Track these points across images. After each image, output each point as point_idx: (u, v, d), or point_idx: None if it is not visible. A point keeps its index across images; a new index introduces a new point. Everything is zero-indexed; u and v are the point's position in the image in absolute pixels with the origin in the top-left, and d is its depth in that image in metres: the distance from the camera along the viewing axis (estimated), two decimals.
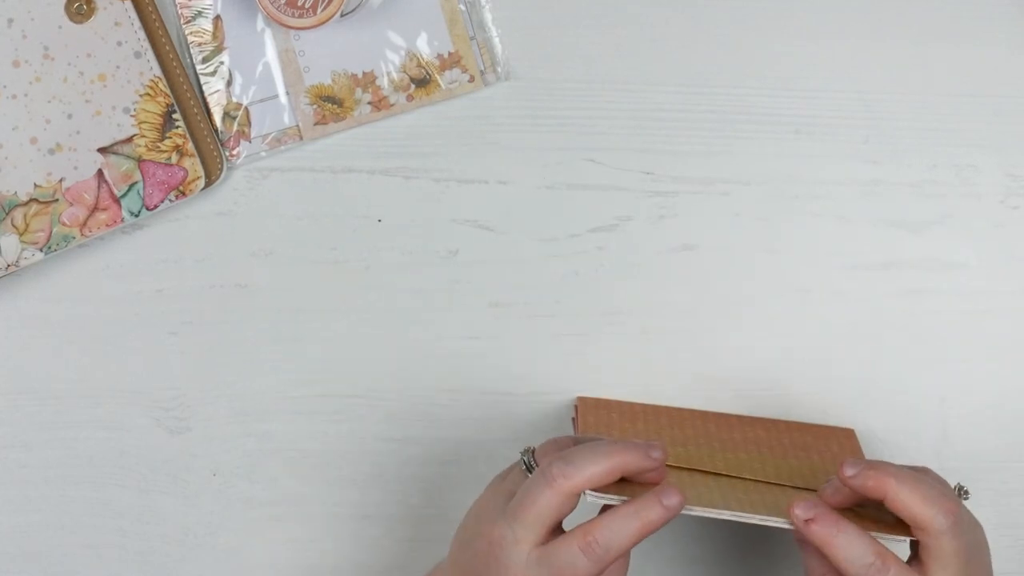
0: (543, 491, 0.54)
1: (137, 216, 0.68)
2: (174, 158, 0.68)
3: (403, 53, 0.69)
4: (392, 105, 0.70)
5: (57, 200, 0.67)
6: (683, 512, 0.54)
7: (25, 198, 0.67)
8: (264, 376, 0.70)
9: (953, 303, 0.70)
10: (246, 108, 0.69)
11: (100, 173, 0.68)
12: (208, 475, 0.70)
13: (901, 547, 0.55)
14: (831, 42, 0.70)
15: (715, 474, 0.61)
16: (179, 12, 0.69)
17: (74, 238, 0.68)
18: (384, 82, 0.69)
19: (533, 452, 0.57)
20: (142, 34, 0.68)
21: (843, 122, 0.70)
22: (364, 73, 0.69)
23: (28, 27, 0.67)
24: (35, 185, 0.67)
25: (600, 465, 0.54)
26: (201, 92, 0.69)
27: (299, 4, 0.67)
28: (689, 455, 0.62)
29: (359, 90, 0.69)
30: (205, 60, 0.69)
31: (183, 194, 0.68)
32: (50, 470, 0.69)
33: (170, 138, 0.68)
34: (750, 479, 0.61)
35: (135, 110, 0.68)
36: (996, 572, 0.70)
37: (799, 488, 0.60)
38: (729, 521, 0.55)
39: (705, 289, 0.70)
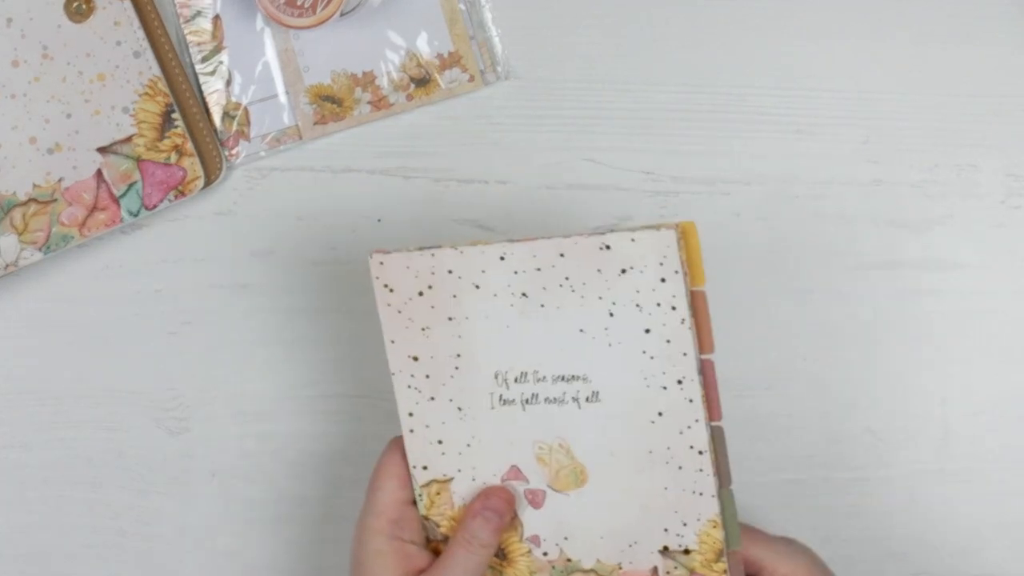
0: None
1: (136, 216, 0.68)
2: (173, 158, 0.68)
3: (403, 53, 0.69)
4: (392, 105, 0.69)
5: (56, 200, 0.67)
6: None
7: (24, 198, 0.67)
8: (264, 376, 0.70)
9: (954, 303, 0.70)
10: (245, 108, 0.69)
11: (99, 173, 0.68)
12: (207, 476, 0.70)
13: None
14: (832, 42, 0.70)
15: None
16: (178, 12, 0.69)
17: (73, 238, 0.68)
18: (384, 82, 0.69)
19: None
20: (141, 33, 0.67)
21: (844, 122, 0.70)
22: (364, 73, 0.69)
23: (27, 26, 0.67)
24: (34, 185, 0.67)
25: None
26: (200, 92, 0.69)
27: (298, 3, 0.67)
28: None
29: (359, 90, 0.69)
30: (204, 60, 0.69)
31: (182, 194, 0.68)
32: (49, 470, 0.69)
33: (169, 138, 0.68)
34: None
35: (134, 110, 0.68)
36: (997, 573, 0.71)
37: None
38: None
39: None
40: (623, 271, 0.52)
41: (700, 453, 0.53)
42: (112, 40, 0.67)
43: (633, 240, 0.51)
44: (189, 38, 0.69)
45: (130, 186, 0.68)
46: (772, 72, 0.70)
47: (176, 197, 0.68)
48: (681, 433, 0.53)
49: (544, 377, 0.54)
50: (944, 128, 0.70)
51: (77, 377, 0.69)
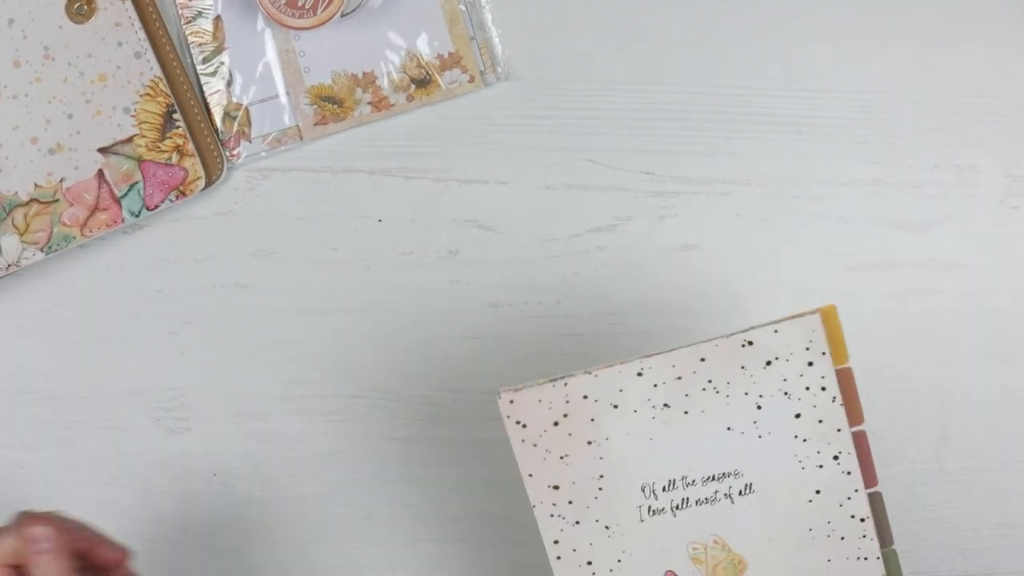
0: None
1: (137, 216, 0.68)
2: (174, 158, 0.68)
3: (403, 53, 0.69)
4: (392, 105, 0.70)
5: (58, 200, 0.67)
6: None
7: (26, 198, 0.67)
8: (264, 376, 0.70)
9: (953, 303, 0.70)
10: (246, 108, 0.69)
11: (100, 173, 0.68)
12: (208, 475, 0.70)
13: None
14: (832, 42, 0.70)
15: None
16: (179, 12, 0.69)
17: (74, 238, 0.68)
18: (384, 82, 0.69)
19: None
20: (142, 34, 0.68)
21: (844, 122, 0.70)
22: (364, 73, 0.69)
23: (29, 27, 0.67)
24: (36, 185, 0.67)
25: None
26: (201, 92, 0.69)
27: (299, 4, 0.67)
28: None
29: (359, 90, 0.69)
30: (205, 60, 0.69)
31: (183, 194, 0.68)
32: (50, 470, 0.69)
33: (170, 138, 0.68)
34: None
35: (135, 110, 0.68)
36: (996, 572, 0.71)
37: None
38: None
39: (705, 289, 0.70)
40: (768, 363, 0.52)
41: (862, 521, 0.54)
42: (113, 41, 0.67)
43: (776, 331, 0.52)
44: (190, 39, 0.69)
45: (131, 186, 0.68)
46: (772, 72, 0.70)
47: (177, 197, 0.68)
48: (841, 505, 0.54)
49: (693, 481, 0.54)
50: (943, 128, 0.70)
51: (78, 377, 0.70)
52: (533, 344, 0.70)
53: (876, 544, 0.54)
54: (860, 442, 0.54)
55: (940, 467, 0.70)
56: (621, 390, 0.52)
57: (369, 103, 0.70)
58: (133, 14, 0.68)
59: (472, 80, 0.70)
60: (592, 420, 0.53)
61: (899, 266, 0.70)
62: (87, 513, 0.69)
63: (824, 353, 0.52)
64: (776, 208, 0.70)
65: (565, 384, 0.52)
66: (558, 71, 0.70)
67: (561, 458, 0.53)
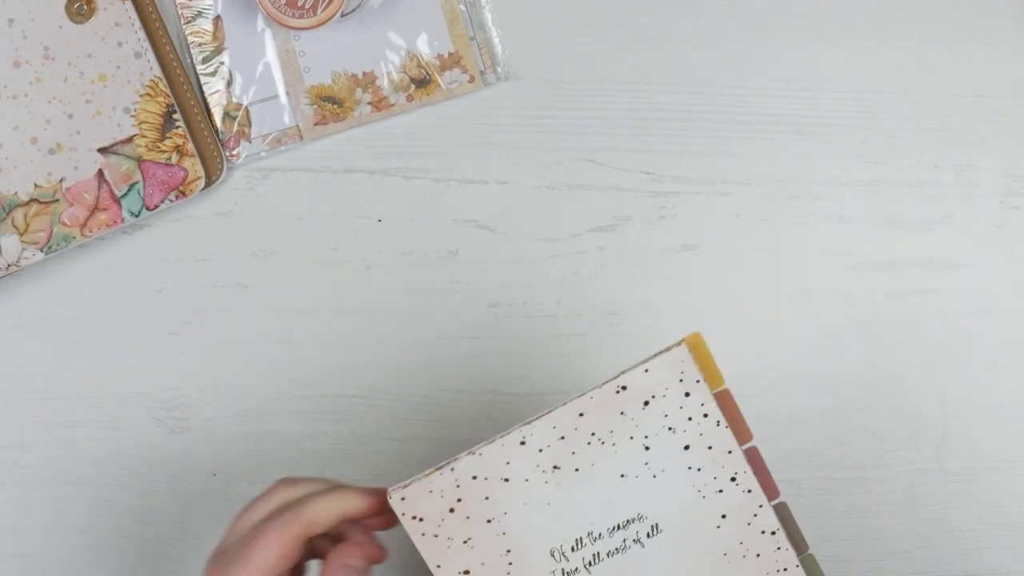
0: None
1: (137, 216, 0.68)
2: (174, 158, 0.68)
3: (403, 53, 0.69)
4: (392, 105, 0.70)
5: (57, 200, 0.67)
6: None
7: (25, 198, 0.67)
8: (264, 376, 0.70)
9: (954, 303, 0.70)
10: (246, 108, 0.69)
11: (100, 173, 0.68)
12: (208, 475, 0.70)
13: None
14: (832, 42, 0.70)
15: None
16: (179, 12, 0.69)
17: (74, 238, 0.68)
18: (384, 82, 0.69)
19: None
20: (142, 34, 0.68)
21: (844, 122, 0.71)
22: (364, 73, 0.69)
23: (28, 27, 0.67)
24: (35, 185, 0.67)
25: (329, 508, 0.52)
26: (201, 92, 0.69)
27: (299, 4, 0.67)
28: None
29: (359, 90, 0.69)
30: (205, 60, 0.69)
31: (183, 194, 0.68)
32: (50, 470, 0.69)
33: (170, 138, 0.68)
34: None
35: (135, 110, 0.68)
36: (996, 572, 0.71)
37: None
38: None
39: (705, 289, 0.70)
40: (646, 403, 0.52)
41: (773, 534, 0.54)
42: (113, 41, 0.68)
43: (647, 371, 0.52)
44: (190, 39, 0.69)
45: (131, 186, 0.68)
46: (772, 72, 0.70)
47: (177, 197, 0.68)
48: (749, 524, 0.54)
49: (600, 535, 0.54)
50: (943, 128, 0.70)
51: (78, 377, 0.70)
52: (533, 344, 0.70)
53: (792, 553, 0.55)
54: (753, 458, 0.54)
55: (940, 467, 0.70)
56: (508, 463, 0.52)
57: (369, 103, 0.70)
58: (133, 14, 0.68)
59: (472, 80, 0.70)
60: (487, 498, 0.53)
61: (899, 266, 0.70)
62: (86, 513, 0.70)
63: (699, 381, 0.52)
64: (776, 208, 0.70)
65: (452, 469, 0.52)
66: (558, 71, 0.70)
67: (464, 542, 0.53)
